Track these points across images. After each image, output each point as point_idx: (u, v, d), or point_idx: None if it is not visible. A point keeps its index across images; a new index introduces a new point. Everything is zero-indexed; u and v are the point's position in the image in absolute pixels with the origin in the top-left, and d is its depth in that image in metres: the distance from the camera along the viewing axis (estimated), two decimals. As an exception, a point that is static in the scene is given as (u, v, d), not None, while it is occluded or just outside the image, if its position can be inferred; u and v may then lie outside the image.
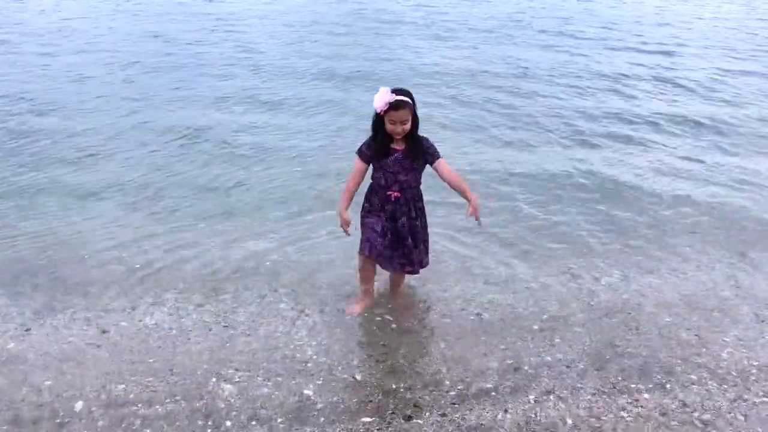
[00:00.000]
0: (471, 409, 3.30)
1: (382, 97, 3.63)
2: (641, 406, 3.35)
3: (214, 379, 3.49)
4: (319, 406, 3.30)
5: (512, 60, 12.21)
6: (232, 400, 3.33)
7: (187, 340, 3.90)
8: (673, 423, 3.23)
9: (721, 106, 9.68)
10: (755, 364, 3.76)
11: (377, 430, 3.14)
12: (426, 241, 4.14)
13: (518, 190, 6.34)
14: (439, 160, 3.85)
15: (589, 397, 3.43)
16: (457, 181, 3.86)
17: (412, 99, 3.72)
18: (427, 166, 3.95)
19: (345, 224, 3.95)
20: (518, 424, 3.20)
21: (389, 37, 14.02)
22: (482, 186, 6.23)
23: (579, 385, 3.52)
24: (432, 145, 3.88)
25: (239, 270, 4.73)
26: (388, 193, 3.89)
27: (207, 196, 6.06)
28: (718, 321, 4.23)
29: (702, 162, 7.28)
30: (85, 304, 4.29)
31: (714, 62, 12.65)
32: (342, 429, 3.14)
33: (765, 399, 3.44)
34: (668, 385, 3.54)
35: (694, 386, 3.54)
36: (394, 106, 3.63)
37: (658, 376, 3.62)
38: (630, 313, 4.29)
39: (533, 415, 3.26)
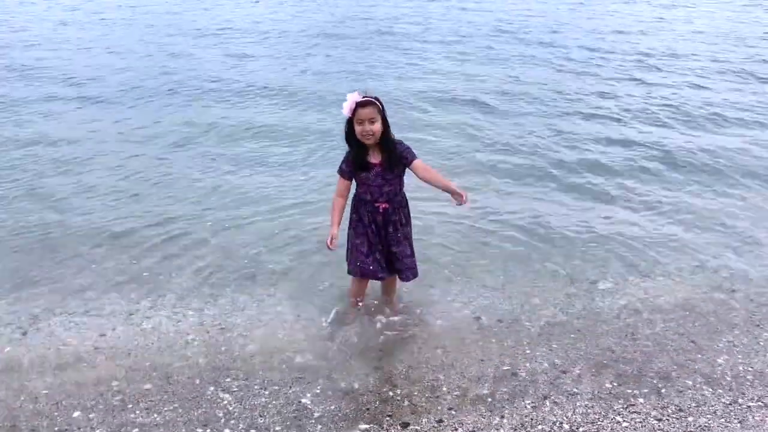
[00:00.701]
0: (468, 416, 3.31)
1: (349, 101, 3.66)
2: (637, 412, 3.37)
3: (212, 387, 3.51)
4: (317, 414, 3.31)
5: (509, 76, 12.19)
6: (231, 408, 3.34)
7: (185, 346, 3.91)
8: (668, 429, 3.25)
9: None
10: (750, 369, 3.78)
11: (375, 437, 3.16)
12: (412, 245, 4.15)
13: (514, 194, 6.36)
14: (415, 161, 3.80)
15: (585, 402, 3.44)
16: (436, 178, 3.81)
17: (379, 101, 3.74)
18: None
19: (332, 241, 3.93)
20: (515, 430, 3.21)
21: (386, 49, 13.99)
22: (482, 186, 6.26)
23: (575, 391, 3.54)
24: (407, 148, 3.83)
25: (237, 275, 4.75)
26: (377, 205, 3.89)
27: (204, 201, 6.06)
28: (713, 326, 4.25)
29: (697, 166, 7.30)
30: (83, 309, 4.31)
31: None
32: (340, 436, 3.16)
33: (760, 404, 3.46)
34: (664, 391, 3.56)
35: (689, 391, 3.56)
36: (360, 104, 3.65)
37: (654, 382, 3.64)
38: (626, 319, 4.31)
39: (530, 421, 3.27)
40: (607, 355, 3.90)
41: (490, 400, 3.45)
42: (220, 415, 3.29)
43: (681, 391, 3.56)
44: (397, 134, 3.87)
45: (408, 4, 18.99)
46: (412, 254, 4.11)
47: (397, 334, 4.10)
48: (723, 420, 3.32)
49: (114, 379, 3.58)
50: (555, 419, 3.29)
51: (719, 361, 3.87)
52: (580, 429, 3.22)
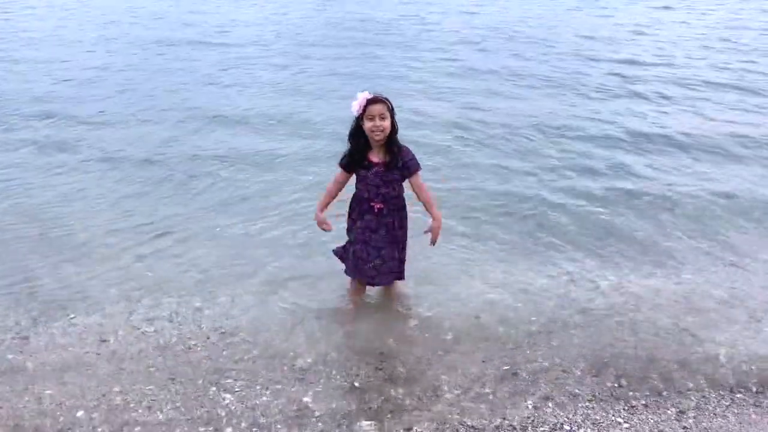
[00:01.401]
0: (469, 415, 3.32)
1: (359, 99, 3.68)
2: (638, 410, 3.38)
3: (213, 387, 3.52)
4: (318, 413, 3.33)
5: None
6: (232, 408, 3.35)
7: (187, 347, 3.92)
8: (670, 426, 3.25)
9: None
10: (752, 368, 3.78)
11: (376, 437, 3.17)
12: (404, 248, 4.13)
13: (514, 194, 6.36)
14: (416, 175, 3.86)
15: (586, 402, 3.45)
16: (428, 200, 3.93)
17: (390, 102, 3.75)
18: None
19: (320, 223, 4.05)
20: (516, 430, 3.22)
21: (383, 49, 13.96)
22: (480, 186, 6.26)
23: (577, 391, 3.55)
24: (413, 158, 3.84)
25: (238, 276, 4.75)
26: (372, 204, 3.90)
27: (204, 202, 6.06)
28: (714, 323, 4.25)
29: (698, 165, 7.30)
30: (84, 312, 4.31)
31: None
32: (341, 436, 3.17)
33: (762, 400, 3.48)
34: (665, 391, 3.56)
35: (690, 389, 3.57)
36: (371, 101, 3.66)
37: (656, 381, 3.64)
38: (627, 316, 4.32)
39: (531, 421, 3.28)
40: (608, 352, 3.91)
41: (491, 399, 3.46)
42: (222, 414, 3.31)
43: (682, 389, 3.57)
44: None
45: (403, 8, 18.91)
46: (401, 259, 4.08)
47: (398, 334, 4.11)
48: (724, 417, 3.33)
49: (116, 379, 3.59)
50: (557, 419, 3.30)
51: (721, 357, 3.87)
52: (582, 429, 3.24)
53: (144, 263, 4.93)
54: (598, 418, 3.32)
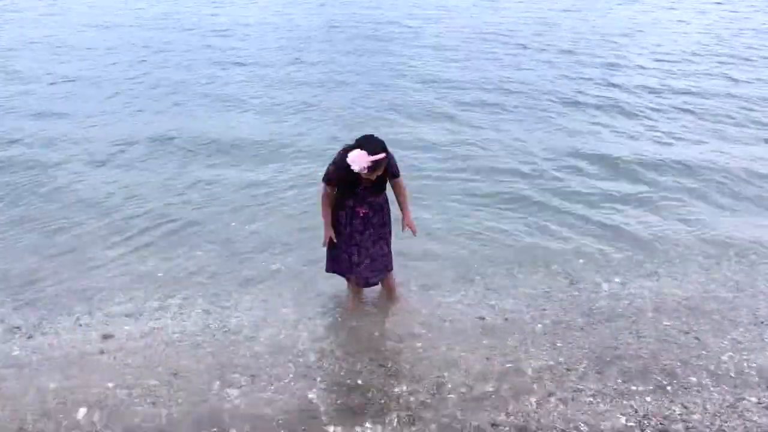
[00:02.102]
0: (473, 413, 3.33)
1: (360, 162, 3.60)
2: (642, 409, 3.38)
3: (218, 384, 3.53)
4: (323, 410, 3.33)
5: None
6: (237, 403, 3.36)
7: (191, 344, 3.93)
8: (673, 426, 3.25)
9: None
10: (754, 366, 3.79)
11: (380, 433, 3.17)
12: (389, 242, 4.18)
13: (518, 195, 6.38)
14: (398, 179, 3.99)
15: (589, 400, 3.45)
16: (404, 200, 4.10)
17: (386, 149, 3.71)
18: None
19: (330, 242, 4.09)
20: (520, 427, 3.22)
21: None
22: (483, 187, 6.28)
23: (580, 388, 3.55)
24: (395, 165, 3.91)
25: (242, 275, 4.77)
26: (357, 209, 3.96)
27: (208, 203, 6.08)
28: (717, 324, 4.26)
29: (700, 164, 7.30)
30: (89, 310, 4.33)
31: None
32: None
33: (765, 401, 3.47)
34: (668, 388, 3.57)
35: (694, 389, 3.57)
36: (372, 168, 3.65)
37: (659, 379, 3.65)
38: (630, 317, 4.32)
39: (534, 418, 3.29)
40: (611, 353, 3.91)
41: (494, 397, 3.47)
42: (226, 410, 3.31)
43: (686, 389, 3.57)
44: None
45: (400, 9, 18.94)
46: (388, 252, 4.16)
47: (401, 332, 4.12)
48: (727, 417, 3.32)
49: (121, 375, 3.60)
50: (559, 417, 3.30)
51: (723, 358, 3.87)
52: (585, 427, 3.24)
53: (148, 262, 4.94)
54: (602, 414, 3.32)
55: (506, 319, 4.27)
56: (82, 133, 8.06)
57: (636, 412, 3.36)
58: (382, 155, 3.63)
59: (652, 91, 10.49)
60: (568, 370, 3.73)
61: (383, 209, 4.04)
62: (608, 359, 3.84)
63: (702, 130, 8.54)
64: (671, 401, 3.45)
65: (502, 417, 3.30)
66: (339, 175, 3.79)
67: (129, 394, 3.44)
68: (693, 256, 5.23)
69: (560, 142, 8.04)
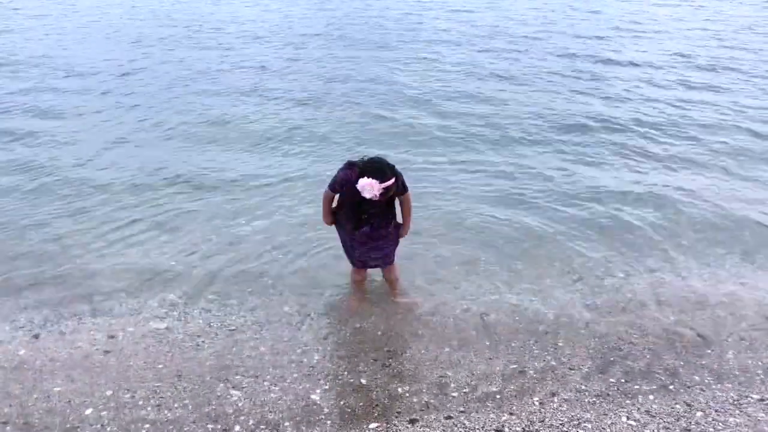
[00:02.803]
0: (476, 412, 3.33)
1: (371, 191, 3.60)
2: (645, 408, 3.37)
3: (221, 384, 3.53)
4: (326, 410, 3.34)
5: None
6: (240, 405, 3.37)
7: (194, 344, 3.94)
8: (677, 424, 3.25)
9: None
10: (759, 364, 3.78)
11: (384, 433, 3.17)
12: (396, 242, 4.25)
13: (521, 192, 6.36)
14: (406, 194, 4.02)
15: (593, 399, 3.45)
16: (407, 214, 4.12)
17: (395, 172, 3.71)
18: None
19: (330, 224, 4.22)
20: (523, 426, 3.22)
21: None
22: (486, 186, 6.26)
23: (583, 387, 3.55)
24: (403, 182, 3.92)
25: (245, 274, 4.77)
26: (362, 228, 4.01)
27: (212, 204, 6.09)
28: (722, 321, 4.25)
29: (704, 163, 7.28)
30: (92, 310, 4.34)
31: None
32: (349, 433, 3.18)
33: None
34: (672, 387, 3.56)
35: (697, 387, 3.57)
36: (384, 194, 3.66)
37: (662, 378, 3.64)
38: (633, 314, 4.32)
39: (538, 418, 3.29)
40: (615, 351, 3.91)
41: (498, 396, 3.47)
42: (230, 411, 3.32)
43: (690, 387, 3.56)
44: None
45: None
46: (392, 251, 4.23)
47: (404, 332, 4.12)
48: (733, 416, 3.32)
49: (124, 377, 3.61)
50: (563, 415, 3.30)
51: (728, 356, 3.87)
52: (589, 426, 3.23)
53: (152, 262, 4.95)
54: (604, 413, 3.32)
55: (508, 318, 4.27)
56: (82, 130, 8.05)
57: (639, 411, 3.36)
58: (391, 181, 3.63)
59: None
60: (571, 369, 3.72)
61: (390, 213, 4.06)
62: (611, 358, 3.83)
63: (707, 125, 8.51)
64: (674, 400, 3.45)
65: (505, 417, 3.30)
66: (345, 192, 3.87)
67: (133, 395, 3.45)
68: (697, 252, 5.21)
69: (561, 137, 8.03)
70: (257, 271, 4.82)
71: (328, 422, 3.25)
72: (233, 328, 4.12)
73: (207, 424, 3.23)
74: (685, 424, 3.24)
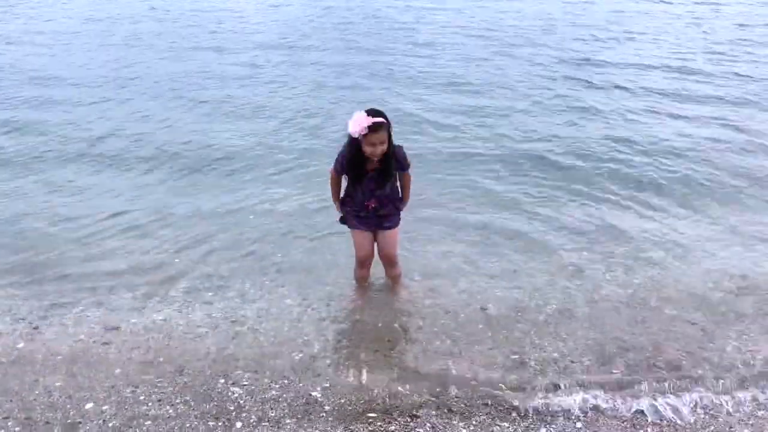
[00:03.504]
0: (477, 405, 3.33)
1: (359, 122, 3.60)
2: (644, 402, 3.38)
3: (222, 380, 3.53)
4: (327, 407, 3.33)
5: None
6: (242, 402, 3.37)
7: (196, 338, 3.94)
8: (677, 418, 3.26)
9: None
10: (760, 357, 3.78)
11: (385, 428, 3.17)
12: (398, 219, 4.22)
13: (521, 186, 6.33)
14: (406, 172, 4.00)
15: (594, 392, 3.45)
16: (407, 192, 4.10)
17: (387, 119, 3.71)
18: None
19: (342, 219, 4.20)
20: (525, 419, 3.23)
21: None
22: (485, 180, 6.23)
23: (584, 380, 3.55)
24: (406, 157, 3.92)
25: (246, 269, 4.76)
26: (366, 203, 3.98)
27: (213, 197, 6.05)
28: (723, 315, 4.24)
29: (709, 154, 7.24)
30: (94, 303, 4.34)
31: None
32: (350, 429, 3.17)
33: (769, 393, 3.47)
34: (673, 380, 3.56)
35: (699, 380, 3.57)
36: (372, 128, 3.61)
37: (663, 371, 3.64)
38: (635, 308, 4.31)
39: (540, 410, 3.29)
40: (616, 343, 3.90)
41: (498, 390, 3.47)
42: (231, 408, 3.32)
43: (691, 380, 3.56)
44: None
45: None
46: (393, 222, 4.17)
47: (405, 325, 4.12)
48: (734, 410, 3.33)
49: (126, 371, 3.61)
50: (564, 408, 3.31)
51: (729, 349, 3.86)
52: (590, 418, 3.24)
53: (153, 255, 4.94)
54: (605, 405, 3.33)
55: (509, 311, 4.26)
56: (83, 129, 8.00)
57: (638, 404, 3.37)
58: (380, 118, 3.62)
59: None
60: (572, 362, 3.72)
61: (392, 200, 4.04)
62: (613, 351, 3.83)
63: (710, 121, 8.45)
64: (675, 393, 3.45)
65: (507, 408, 3.30)
66: (347, 160, 3.82)
67: (134, 391, 3.45)
68: (698, 246, 5.19)
69: (562, 132, 7.99)
70: (258, 265, 4.81)
71: (330, 419, 3.23)
72: (234, 321, 4.11)
73: (209, 420, 3.22)
74: (687, 419, 3.25)
